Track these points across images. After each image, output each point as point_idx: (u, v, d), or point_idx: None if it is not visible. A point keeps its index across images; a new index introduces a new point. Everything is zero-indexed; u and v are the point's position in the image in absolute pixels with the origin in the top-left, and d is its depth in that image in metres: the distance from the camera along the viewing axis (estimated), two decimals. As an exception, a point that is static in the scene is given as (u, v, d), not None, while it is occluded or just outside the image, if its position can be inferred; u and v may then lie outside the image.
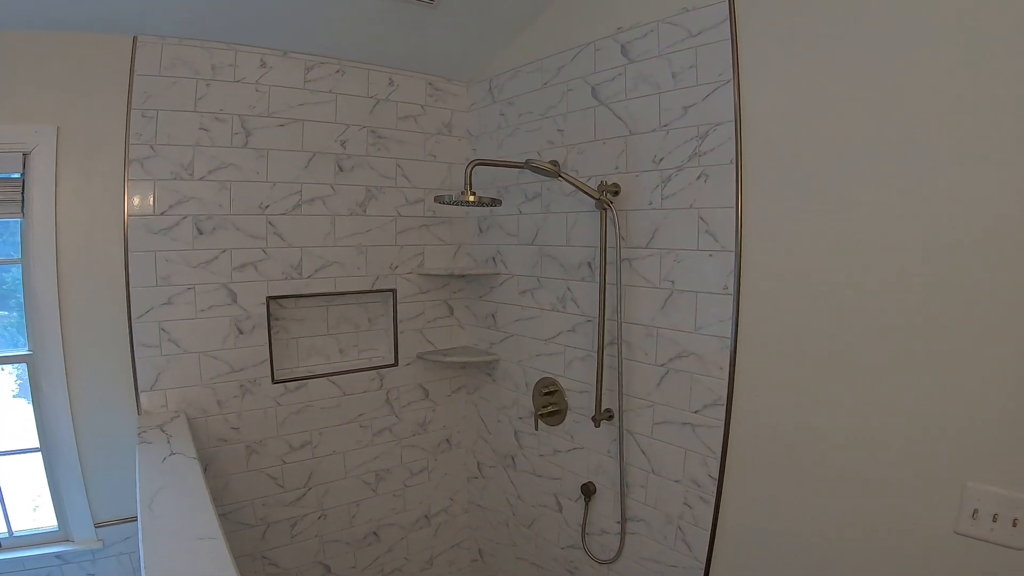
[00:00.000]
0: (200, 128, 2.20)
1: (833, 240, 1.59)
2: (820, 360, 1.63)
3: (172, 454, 1.84)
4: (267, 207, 2.35)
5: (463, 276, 2.86)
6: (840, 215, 1.57)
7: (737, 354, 1.80)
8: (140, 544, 1.36)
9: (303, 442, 2.51)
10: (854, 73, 1.53)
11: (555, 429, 2.44)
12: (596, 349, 2.14)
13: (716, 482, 1.87)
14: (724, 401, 1.83)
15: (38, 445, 2.12)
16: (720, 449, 1.85)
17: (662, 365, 2.00)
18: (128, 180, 2.10)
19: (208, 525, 1.43)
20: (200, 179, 2.21)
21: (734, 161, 1.77)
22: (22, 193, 2.01)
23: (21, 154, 1.99)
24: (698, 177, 1.87)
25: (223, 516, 2.35)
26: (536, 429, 2.45)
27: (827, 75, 1.58)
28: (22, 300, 2.08)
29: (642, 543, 2.13)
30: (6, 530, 2.12)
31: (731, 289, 1.80)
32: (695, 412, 1.92)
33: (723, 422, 1.83)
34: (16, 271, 2.07)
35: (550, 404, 2.41)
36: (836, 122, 1.57)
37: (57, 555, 2.10)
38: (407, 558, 2.94)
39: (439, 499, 2.99)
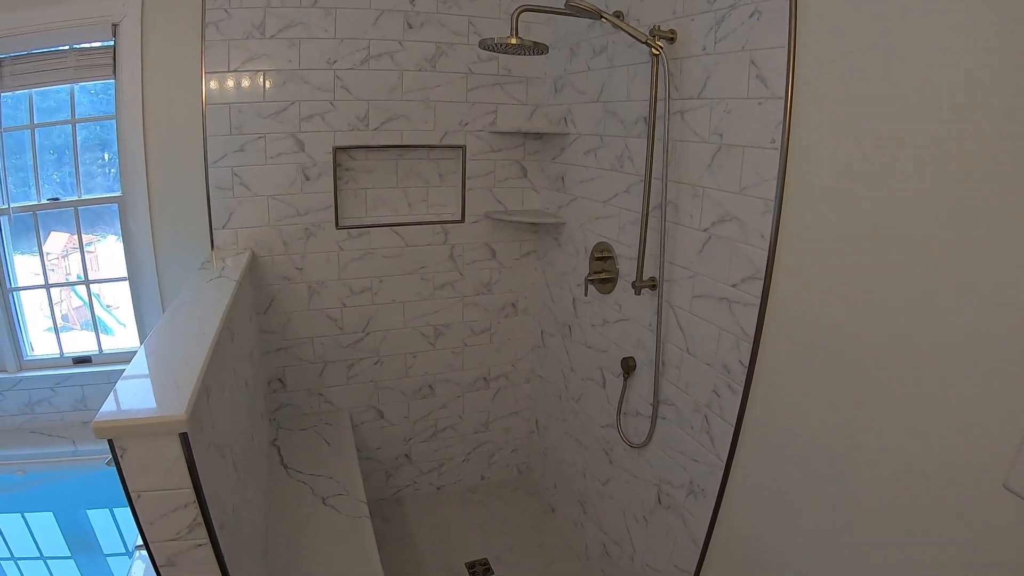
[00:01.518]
0: (271, -11, 2.27)
1: (897, 94, 1.21)
2: (875, 242, 1.28)
3: (219, 277, 2.04)
4: (335, 62, 2.38)
5: (539, 137, 2.72)
6: (909, 68, 1.19)
7: (781, 221, 1.52)
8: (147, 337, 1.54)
9: (363, 288, 2.63)
10: None
11: (606, 298, 2.30)
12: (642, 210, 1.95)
13: (746, 370, 1.64)
14: (762, 275, 1.55)
15: (126, 275, 2.48)
16: (753, 331, 1.60)
17: (705, 230, 1.76)
18: (205, 40, 2.25)
19: (207, 329, 1.55)
20: (271, 37, 2.30)
21: (789, -8, 1.43)
22: (113, 58, 2.30)
23: (111, 24, 2.25)
24: (751, 15, 1.54)
25: (283, 350, 2.62)
26: (586, 295, 2.34)
27: None
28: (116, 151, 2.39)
29: (670, 430, 1.97)
30: (97, 348, 2.54)
31: (778, 143, 1.48)
32: (733, 286, 1.67)
33: (759, 299, 1.57)
34: (112, 126, 2.37)
35: (603, 271, 2.27)
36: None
37: (137, 373, 2.47)
38: (461, 417, 3.03)
39: (500, 363, 3.00)
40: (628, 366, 2.15)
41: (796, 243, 1.47)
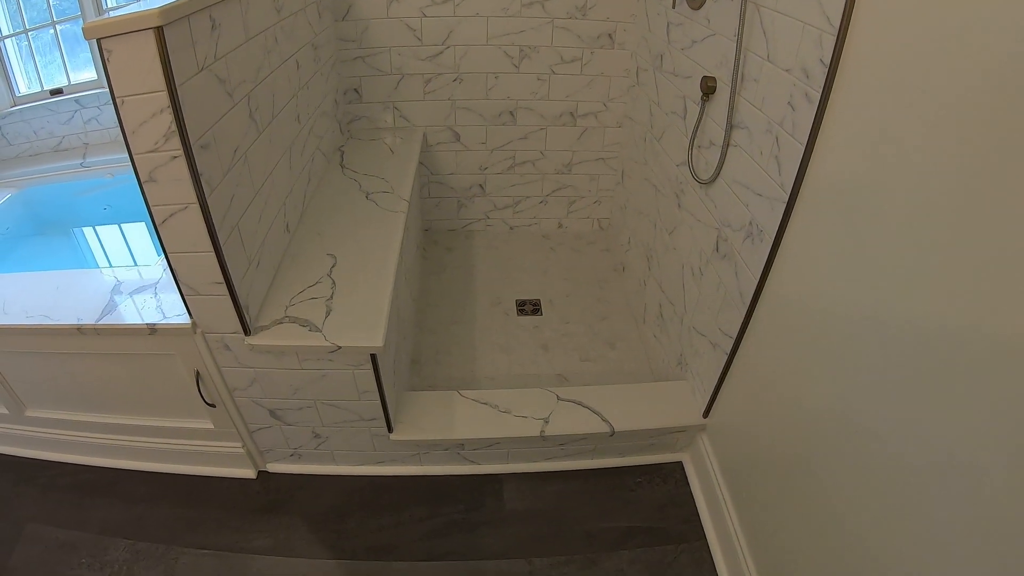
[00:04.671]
0: None
1: None
2: None
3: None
4: None
5: None
6: None
7: None
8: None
9: (446, -4, 2.42)
10: None
11: (696, 15, 1.89)
12: None
13: (826, 72, 1.24)
14: None
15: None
16: (840, 19, 1.18)
17: None
18: None
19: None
20: None
21: None
22: None
23: None
24: None
25: (360, 60, 2.53)
26: (673, 7, 1.93)
27: None
28: None
29: (739, 160, 1.63)
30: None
31: None
32: None
33: None
34: None
35: (699, -20, 1.84)
36: None
37: None
38: (543, 153, 2.82)
39: (590, 99, 2.69)
40: (708, 87, 1.78)
41: None
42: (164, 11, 1.13)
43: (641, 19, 2.45)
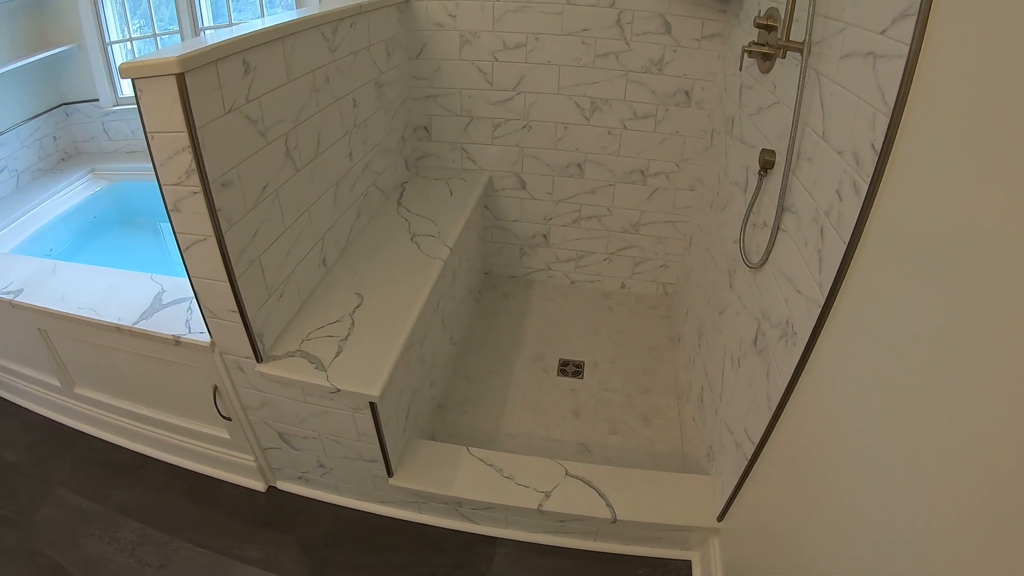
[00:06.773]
0: None
1: None
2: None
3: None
4: None
5: None
6: None
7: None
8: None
9: (517, 43, 2.38)
10: None
11: (764, 79, 1.74)
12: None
13: (876, 159, 1.08)
14: (917, 8, 0.95)
15: None
16: (895, 97, 1.02)
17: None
18: None
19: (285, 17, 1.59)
20: None
21: None
22: None
23: None
24: None
25: (431, 99, 2.57)
26: (740, 69, 1.78)
27: None
28: None
29: (786, 247, 1.47)
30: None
31: None
32: (881, 32, 1.08)
33: (908, 46, 0.99)
34: None
35: (765, 44, 1.69)
36: None
37: None
38: (610, 209, 2.70)
39: (662, 158, 2.55)
40: (766, 161, 1.63)
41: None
42: (184, 59, 1.19)
43: (719, 78, 2.31)
